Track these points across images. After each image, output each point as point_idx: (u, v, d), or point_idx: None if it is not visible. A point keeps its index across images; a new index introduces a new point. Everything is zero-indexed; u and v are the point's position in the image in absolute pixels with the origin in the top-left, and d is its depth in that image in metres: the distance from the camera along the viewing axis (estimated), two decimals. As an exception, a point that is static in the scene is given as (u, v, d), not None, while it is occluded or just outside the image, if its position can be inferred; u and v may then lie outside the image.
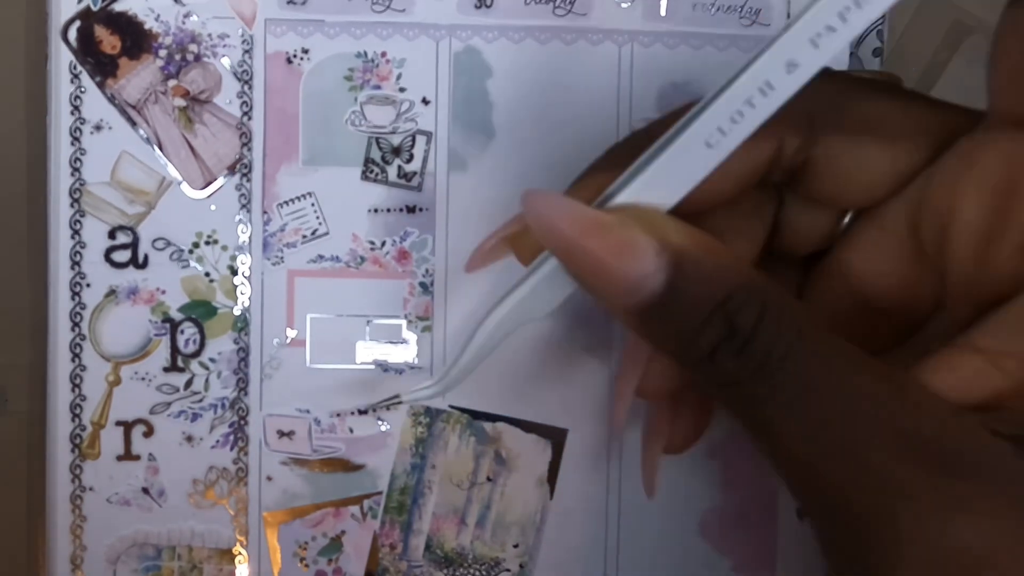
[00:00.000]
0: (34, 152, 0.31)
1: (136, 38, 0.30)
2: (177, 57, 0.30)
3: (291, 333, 0.31)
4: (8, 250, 0.32)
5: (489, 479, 0.31)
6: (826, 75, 0.20)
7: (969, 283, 0.21)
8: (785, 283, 0.24)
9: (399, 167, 0.31)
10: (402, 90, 0.31)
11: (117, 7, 0.30)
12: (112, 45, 0.30)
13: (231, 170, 0.30)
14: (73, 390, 0.30)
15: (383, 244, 0.31)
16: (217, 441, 0.31)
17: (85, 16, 0.30)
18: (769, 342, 0.19)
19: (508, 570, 0.31)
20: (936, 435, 0.19)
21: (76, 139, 0.30)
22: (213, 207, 0.30)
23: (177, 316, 0.30)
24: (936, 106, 0.22)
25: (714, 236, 0.21)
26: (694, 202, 0.21)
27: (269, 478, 0.31)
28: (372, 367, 0.31)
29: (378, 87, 0.31)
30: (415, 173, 0.31)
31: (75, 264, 0.30)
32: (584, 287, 0.21)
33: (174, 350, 0.30)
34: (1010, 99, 0.20)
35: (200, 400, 0.31)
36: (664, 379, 0.24)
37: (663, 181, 0.21)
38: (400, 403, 0.27)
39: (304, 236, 0.31)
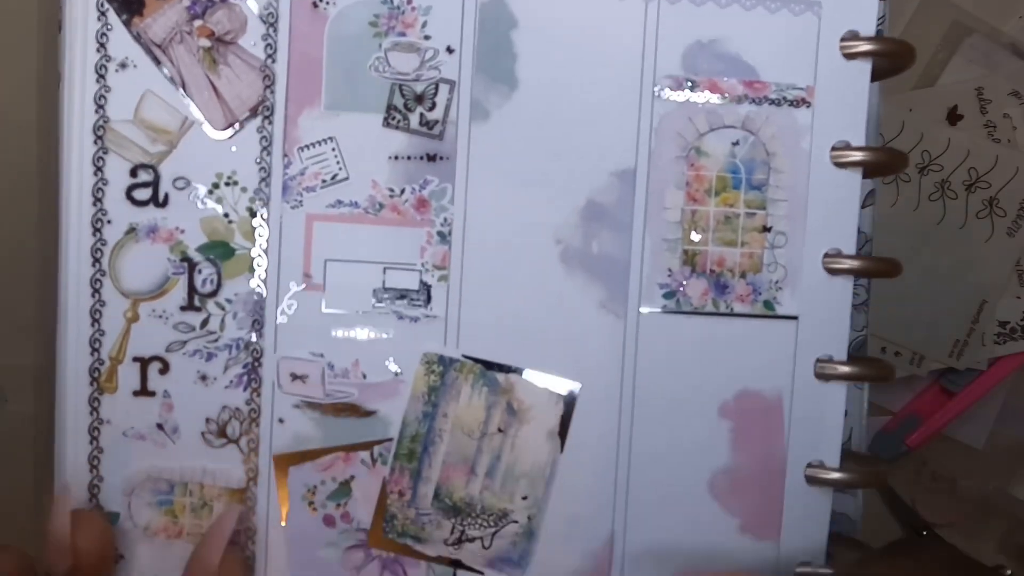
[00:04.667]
0: (46, 152, 0.31)
1: (164, -21, 0.30)
2: (204, -2, 0.30)
3: (308, 277, 0.31)
4: (10, 254, 0.32)
5: (500, 430, 0.31)
6: None
7: None
8: None
9: (421, 115, 0.31)
10: (427, 38, 0.31)
11: (146, -53, 0.30)
12: (140, -15, 0.30)
13: (253, 112, 0.30)
14: (92, 324, 0.31)
15: (402, 192, 0.31)
16: (231, 381, 0.31)
17: (114, -45, 0.30)
18: None
19: (516, 521, 0.31)
20: None
21: (101, 76, 0.30)
22: (234, 148, 0.30)
23: (195, 256, 0.31)
24: None
25: None
26: None
27: (281, 420, 0.31)
28: (388, 314, 0.31)
29: (403, 34, 0.30)
30: (437, 121, 0.31)
31: (97, 200, 0.30)
32: None
33: (191, 289, 0.31)
34: None
35: (215, 340, 0.31)
36: None
37: None
38: None
39: (324, 181, 0.31)
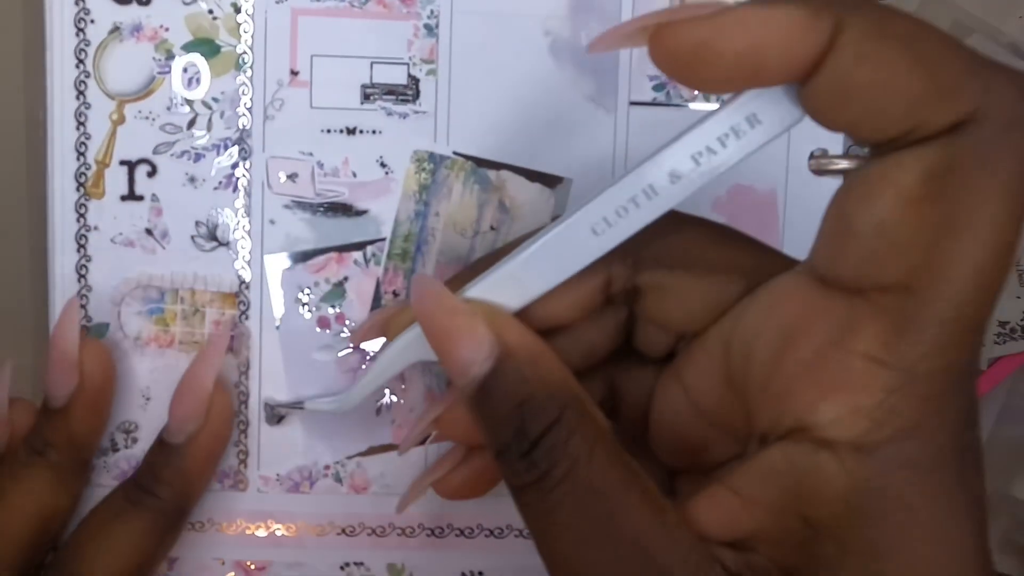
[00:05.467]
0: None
1: None
2: None
3: (294, 74, 0.30)
4: (9, 251, 0.32)
5: (493, 228, 0.31)
6: None
7: (754, 418, 0.22)
8: (644, 378, 0.26)
9: (404, -93, 0.30)
10: None
11: None
12: None
13: (235, -91, 0.30)
14: (78, 128, 0.30)
15: (387, -16, 0.30)
16: (220, 183, 0.31)
17: None
18: (554, 455, 0.21)
19: (511, 320, 0.31)
20: (674, 568, 0.20)
21: None
22: (217, -56, 0.30)
23: (180, 54, 0.30)
24: (751, 246, 0.24)
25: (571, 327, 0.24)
26: (537, 320, 0.24)
27: (272, 221, 0.31)
28: (376, 111, 0.31)
29: None
30: (420, -87, 0.30)
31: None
32: (437, 356, 0.23)
33: (177, 89, 0.30)
34: (819, 255, 0.21)
35: (203, 140, 0.30)
36: (463, 426, 0.26)
37: (542, 264, 0.23)
38: (302, 409, 0.30)
39: (308, -27, 0.30)
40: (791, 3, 0.19)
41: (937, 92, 0.18)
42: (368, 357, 0.31)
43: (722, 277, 0.23)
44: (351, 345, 0.31)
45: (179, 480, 0.29)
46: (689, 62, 0.20)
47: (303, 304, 0.31)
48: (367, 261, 0.31)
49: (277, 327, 0.31)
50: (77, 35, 0.30)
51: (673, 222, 0.22)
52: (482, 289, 0.23)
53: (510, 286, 0.23)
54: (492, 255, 0.26)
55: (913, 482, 0.19)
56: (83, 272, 0.31)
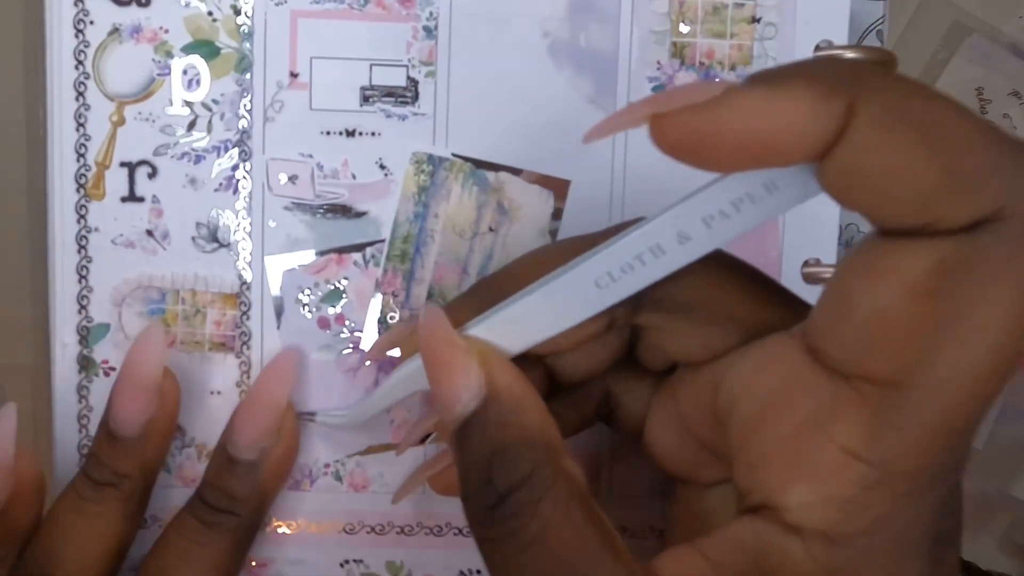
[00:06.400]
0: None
1: None
2: None
3: (294, 76, 0.30)
4: (9, 252, 0.32)
5: (491, 229, 0.31)
6: None
7: (734, 467, 0.22)
8: (642, 389, 0.26)
9: (403, -92, 0.30)
10: None
11: None
12: None
13: (234, -91, 0.30)
14: (78, 129, 0.30)
15: (387, -15, 0.30)
16: (220, 184, 0.31)
17: None
18: (523, 515, 0.20)
19: (509, 321, 0.31)
20: None
21: None
22: (216, -55, 0.30)
23: (180, 56, 0.30)
24: (756, 292, 0.24)
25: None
26: (538, 348, 0.24)
27: (272, 223, 0.31)
28: (376, 112, 0.31)
29: None
30: (420, -86, 0.30)
31: (78, 1, 0.30)
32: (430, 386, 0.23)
33: (177, 90, 0.30)
34: (815, 324, 0.20)
35: (203, 142, 0.31)
36: None
37: (544, 312, 0.23)
38: (313, 421, 0.30)
39: (307, -25, 0.30)
40: (800, 86, 0.18)
41: (954, 188, 0.17)
42: (366, 355, 0.31)
43: (719, 327, 0.23)
44: (366, 360, 0.31)
45: (256, 496, 0.29)
46: (693, 151, 0.19)
47: (303, 305, 0.31)
48: (367, 262, 0.31)
49: (278, 328, 0.31)
50: (76, 36, 0.30)
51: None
52: (483, 329, 0.23)
53: (510, 329, 0.23)
54: (490, 279, 0.26)
55: (882, 573, 0.19)
56: (83, 273, 0.31)
